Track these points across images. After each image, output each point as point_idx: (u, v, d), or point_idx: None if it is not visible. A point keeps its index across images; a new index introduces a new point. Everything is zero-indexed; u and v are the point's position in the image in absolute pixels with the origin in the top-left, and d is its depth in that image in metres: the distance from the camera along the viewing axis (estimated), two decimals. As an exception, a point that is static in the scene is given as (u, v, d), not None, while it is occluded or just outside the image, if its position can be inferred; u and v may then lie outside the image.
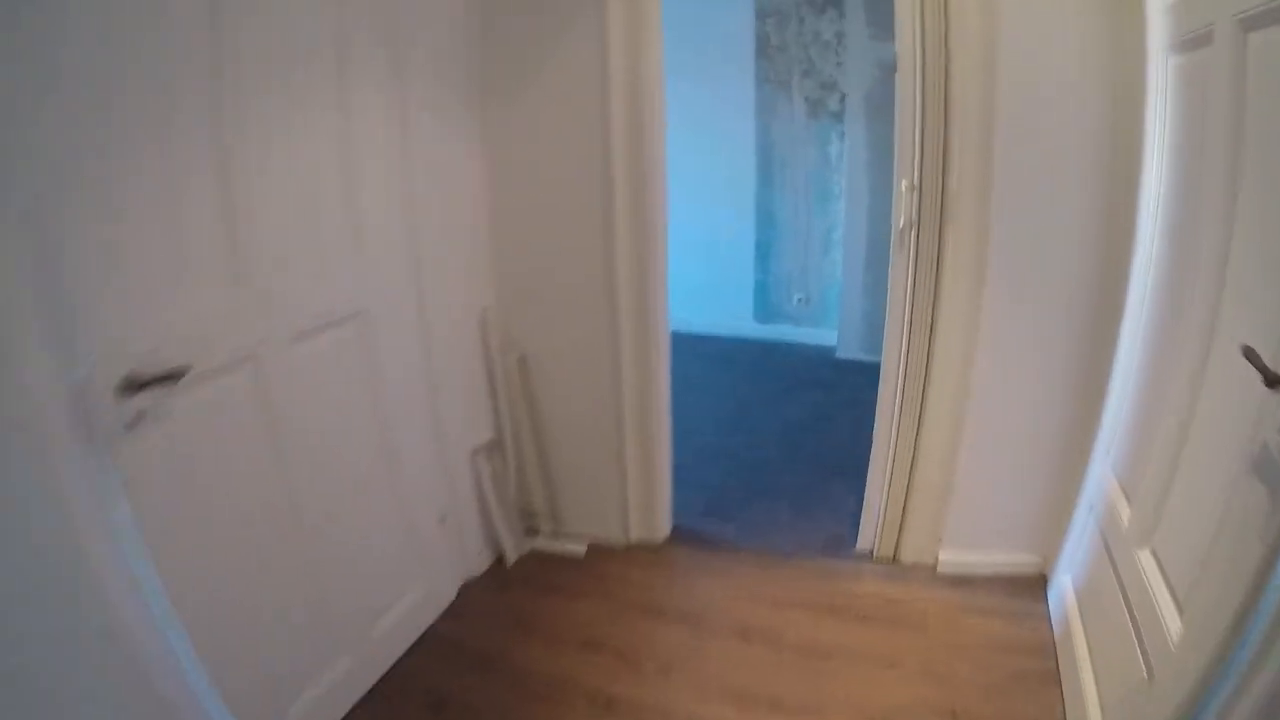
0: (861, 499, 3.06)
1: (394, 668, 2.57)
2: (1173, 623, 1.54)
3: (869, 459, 2.99)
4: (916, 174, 2.48)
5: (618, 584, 3.03)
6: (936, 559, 2.92)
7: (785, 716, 2.30)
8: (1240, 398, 1.36)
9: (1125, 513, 2.01)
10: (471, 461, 3.07)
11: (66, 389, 1.42)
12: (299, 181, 2.08)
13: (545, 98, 2.72)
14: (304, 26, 2.04)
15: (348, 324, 2.33)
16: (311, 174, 2.13)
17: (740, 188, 5.63)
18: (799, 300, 5.70)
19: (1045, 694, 2.29)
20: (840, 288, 5.34)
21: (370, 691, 2.45)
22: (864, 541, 3.08)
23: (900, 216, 2.56)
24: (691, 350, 5.67)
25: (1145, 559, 1.77)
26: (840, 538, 3.20)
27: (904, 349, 2.72)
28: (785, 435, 4.28)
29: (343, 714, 2.35)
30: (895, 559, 2.99)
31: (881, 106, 4.70)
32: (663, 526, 3.29)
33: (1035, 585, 2.81)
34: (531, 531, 3.35)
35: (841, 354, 5.42)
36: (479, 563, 3.17)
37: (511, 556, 3.21)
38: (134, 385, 1.55)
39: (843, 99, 5.11)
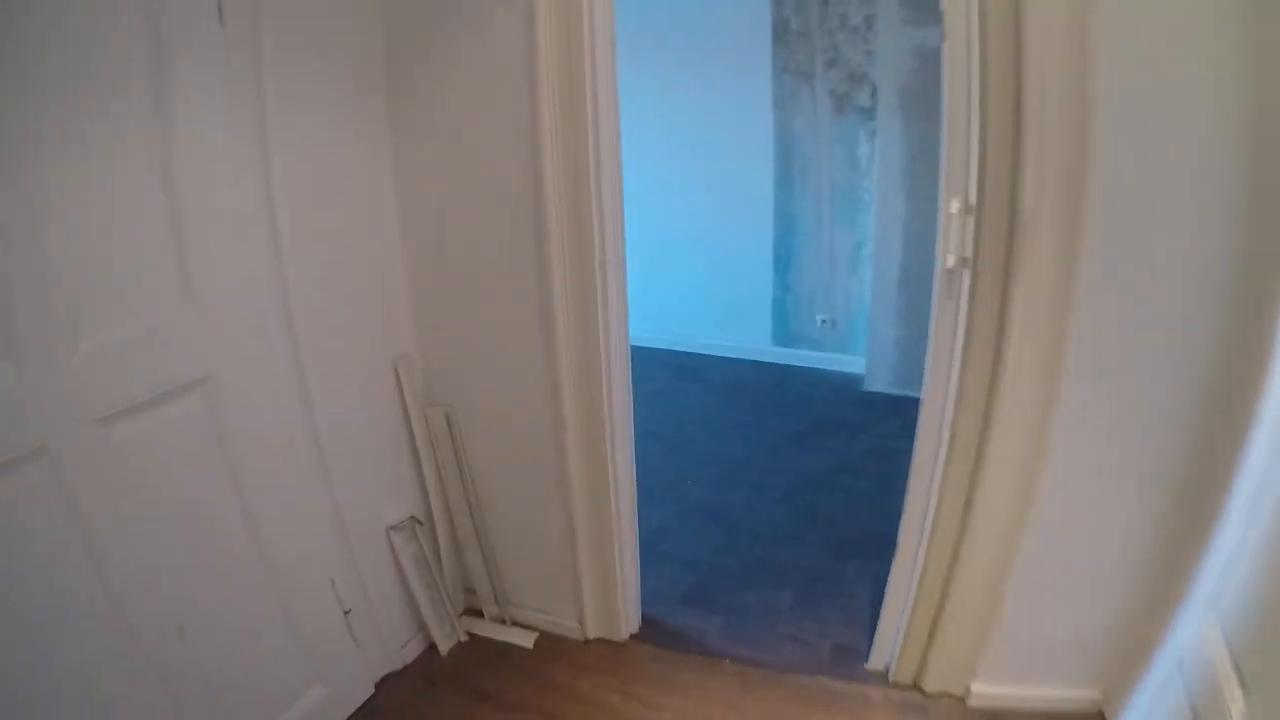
0: (881, 594, 2.45)
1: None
2: None
3: (894, 542, 2.36)
4: (973, 190, 1.83)
5: (561, 698, 2.48)
6: (968, 690, 2.30)
7: None
8: None
9: (1236, 703, 1.40)
10: (388, 540, 2.54)
11: None
12: (98, 216, 1.59)
13: (463, 90, 2.16)
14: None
15: (186, 395, 1.86)
16: (115, 205, 1.62)
17: (756, 192, 5.05)
18: (823, 322, 5.10)
19: None
20: (869, 310, 4.73)
21: None
22: (878, 658, 2.47)
23: (948, 250, 1.91)
24: (697, 375, 5.12)
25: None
26: (850, 650, 2.59)
27: (946, 432, 2.08)
28: (796, 494, 3.68)
29: None
30: (916, 685, 2.38)
31: (920, 101, 4.13)
32: (627, 621, 2.72)
33: (1094, 729, 2.19)
34: (475, 612, 2.84)
35: (870, 386, 4.80)
36: (405, 654, 2.69)
37: (444, 646, 2.72)
38: None
39: (874, 93, 4.49)
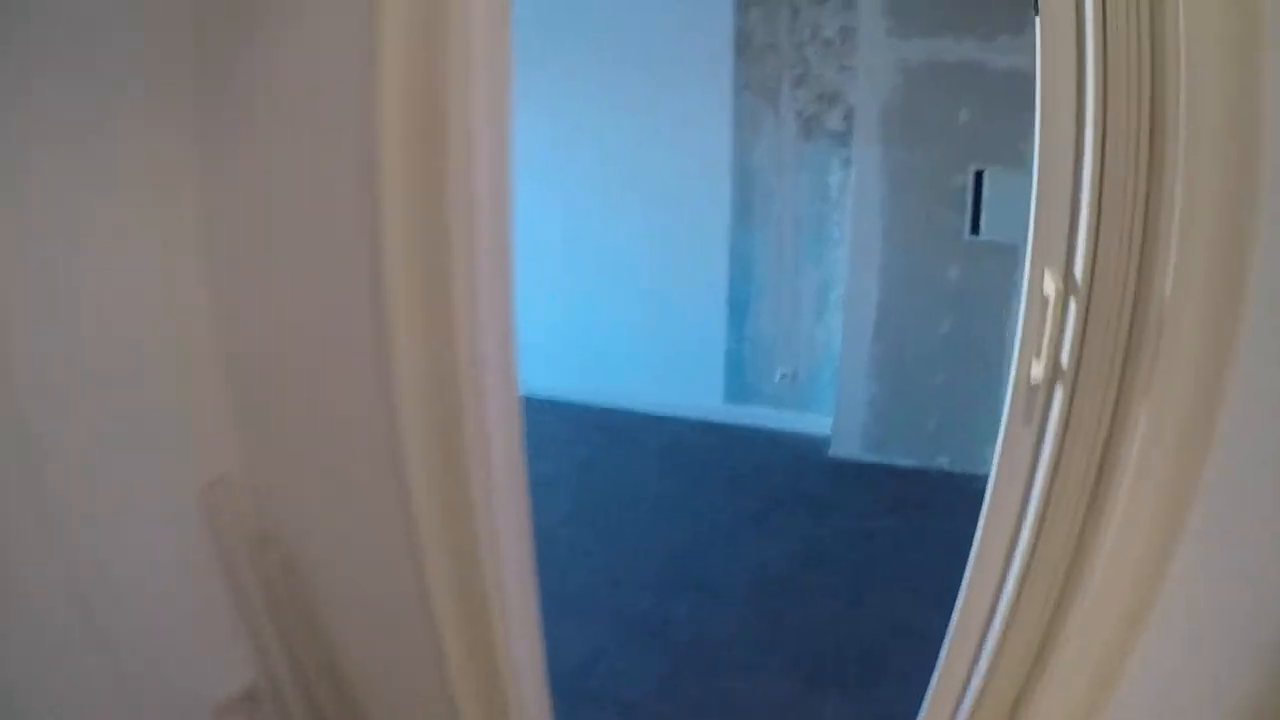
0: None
1: None
2: None
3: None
4: (1082, 263, 1.21)
5: None
6: None
7: None
8: None
9: None
10: None
11: None
12: None
13: (286, 110, 1.44)
14: None
15: None
16: None
17: (708, 225, 4.45)
18: (783, 376, 4.48)
19: None
20: (838, 363, 4.15)
21: None
22: None
23: (1033, 353, 1.30)
24: (635, 438, 4.44)
25: None
26: None
27: (999, 626, 1.42)
28: (756, 597, 3.01)
29: None
30: None
31: (904, 124, 3.61)
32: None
33: None
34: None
35: (837, 451, 4.19)
36: None
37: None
38: None
39: (848, 114, 3.95)
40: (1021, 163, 3.54)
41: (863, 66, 3.71)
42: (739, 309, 4.49)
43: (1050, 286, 1.23)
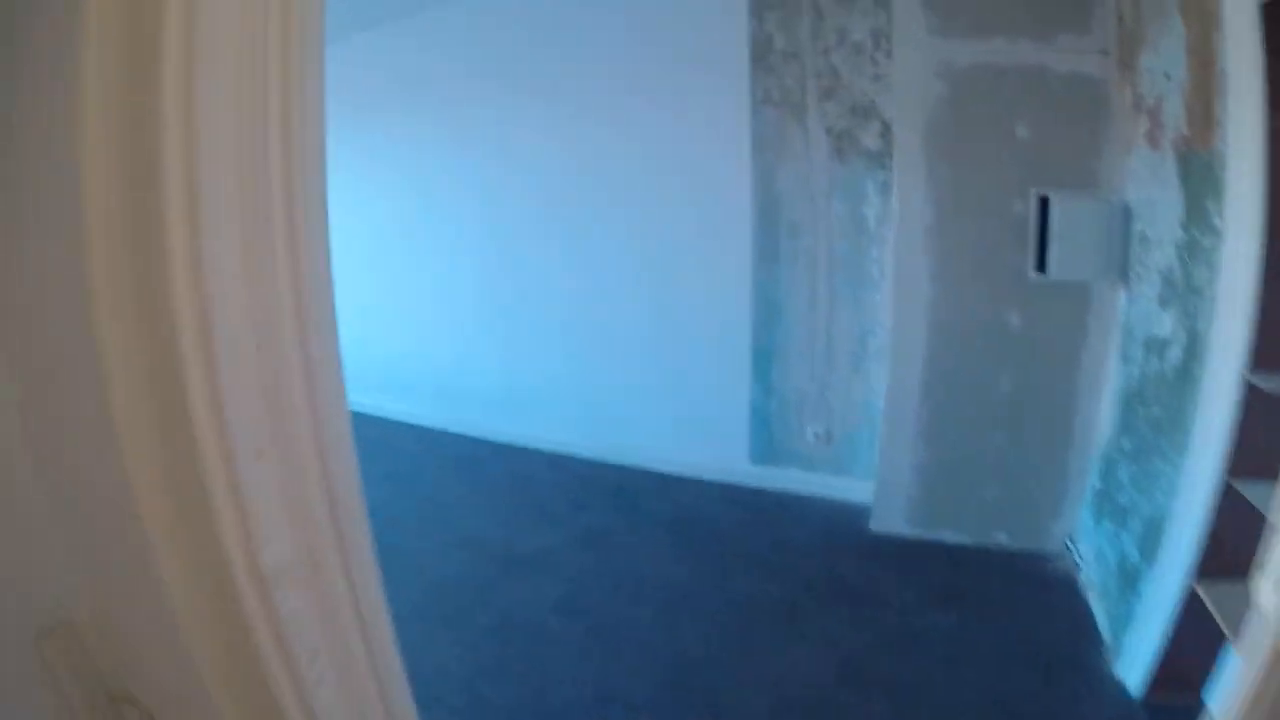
0: None
1: None
2: None
3: None
4: None
5: None
6: None
7: None
8: None
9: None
10: None
11: None
12: None
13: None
14: None
15: None
16: None
17: (728, 263, 3.98)
18: (815, 436, 3.94)
19: None
20: (880, 422, 3.59)
21: None
22: None
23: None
24: (647, 506, 4.00)
25: None
26: None
27: None
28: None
29: None
30: None
31: (952, 140, 3.09)
32: None
33: None
34: None
35: (879, 524, 3.63)
36: None
37: None
38: None
39: (886, 131, 3.43)
40: (1093, 185, 3.02)
41: (899, 73, 3.20)
42: (764, 358, 3.98)
43: None
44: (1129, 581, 2.60)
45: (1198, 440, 2.19)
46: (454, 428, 5.30)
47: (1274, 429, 1.94)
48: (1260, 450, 1.98)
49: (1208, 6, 2.17)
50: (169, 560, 1.11)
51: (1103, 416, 3.11)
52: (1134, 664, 2.46)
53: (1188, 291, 2.33)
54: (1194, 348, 2.27)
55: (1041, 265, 3.06)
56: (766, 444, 4.09)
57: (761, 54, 3.63)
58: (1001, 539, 3.42)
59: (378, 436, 5.30)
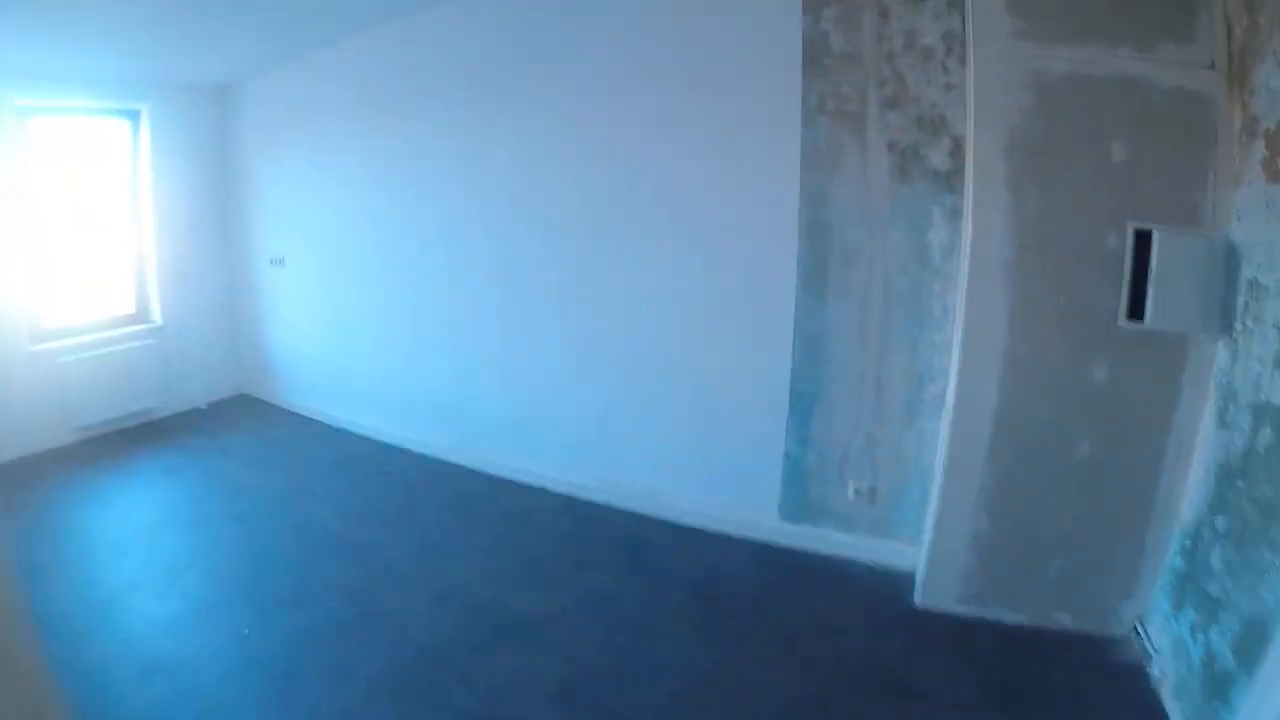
0: None
1: None
2: None
3: None
4: None
5: None
6: None
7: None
8: None
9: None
10: None
11: None
12: None
13: None
14: None
15: None
16: None
17: (769, 293, 3.59)
18: (857, 493, 3.53)
19: None
20: (935, 482, 3.15)
21: None
22: None
23: None
24: (664, 565, 3.70)
25: None
26: None
27: None
28: None
29: None
30: None
31: (1039, 164, 2.76)
32: None
33: None
34: None
35: (926, 599, 3.20)
36: None
37: None
38: None
39: (956, 149, 3.05)
40: (1195, 220, 2.58)
41: (978, 83, 2.79)
42: (804, 402, 3.57)
43: None
44: (1218, 687, 2.23)
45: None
46: (455, 458, 4.98)
47: None
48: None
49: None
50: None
51: (1191, 488, 2.69)
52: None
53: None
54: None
55: (1137, 311, 2.64)
56: (801, 499, 3.66)
57: (815, 56, 3.26)
58: (1063, 620, 2.99)
59: (377, 462, 5.08)
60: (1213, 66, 2.53)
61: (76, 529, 4.22)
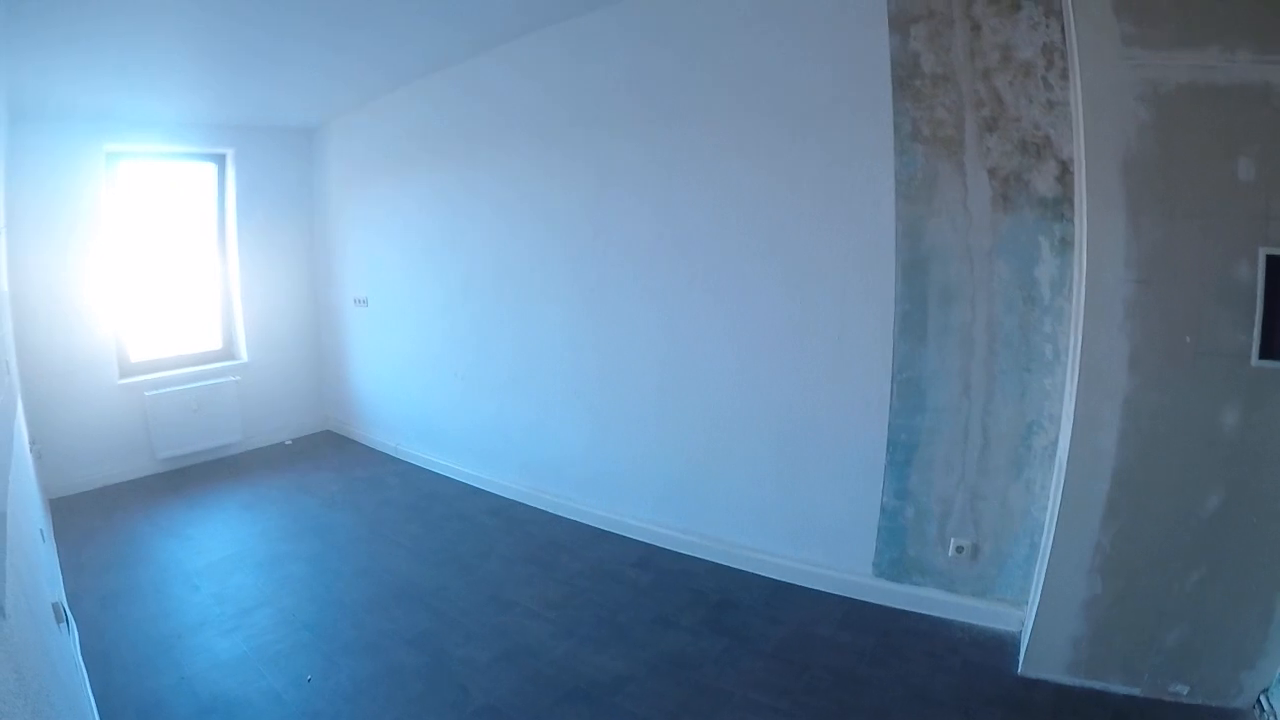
0: None
1: None
2: None
3: None
4: None
5: None
6: None
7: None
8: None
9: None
10: None
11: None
12: None
13: None
14: None
15: None
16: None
17: (861, 336, 3.39)
18: (958, 550, 3.28)
19: None
20: (1046, 541, 2.90)
21: None
22: None
23: None
24: (750, 624, 3.54)
25: None
26: None
27: None
28: None
29: None
30: None
31: (1158, 186, 2.50)
32: None
33: None
34: None
35: (1032, 668, 2.92)
36: None
37: None
38: None
39: (1064, 172, 2.82)
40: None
41: (1086, 98, 2.55)
42: (902, 452, 3.35)
43: None
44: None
45: None
46: (535, 502, 4.94)
47: None
48: None
49: None
50: None
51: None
52: None
53: None
54: None
55: (1269, 349, 2.38)
56: (898, 555, 3.42)
57: (906, 78, 3.07)
58: (1180, 691, 2.70)
59: (455, 505, 5.08)
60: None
61: (152, 560, 4.31)
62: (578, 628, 3.40)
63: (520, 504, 4.99)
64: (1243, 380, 2.44)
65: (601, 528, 4.49)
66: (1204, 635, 2.63)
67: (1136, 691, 2.75)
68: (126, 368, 5.67)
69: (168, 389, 5.76)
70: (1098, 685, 2.80)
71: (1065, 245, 2.84)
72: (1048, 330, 2.95)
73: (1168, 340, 2.51)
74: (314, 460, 6.18)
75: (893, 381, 3.31)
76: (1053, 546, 2.79)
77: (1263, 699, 2.57)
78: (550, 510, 4.80)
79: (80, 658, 3.00)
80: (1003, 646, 3.08)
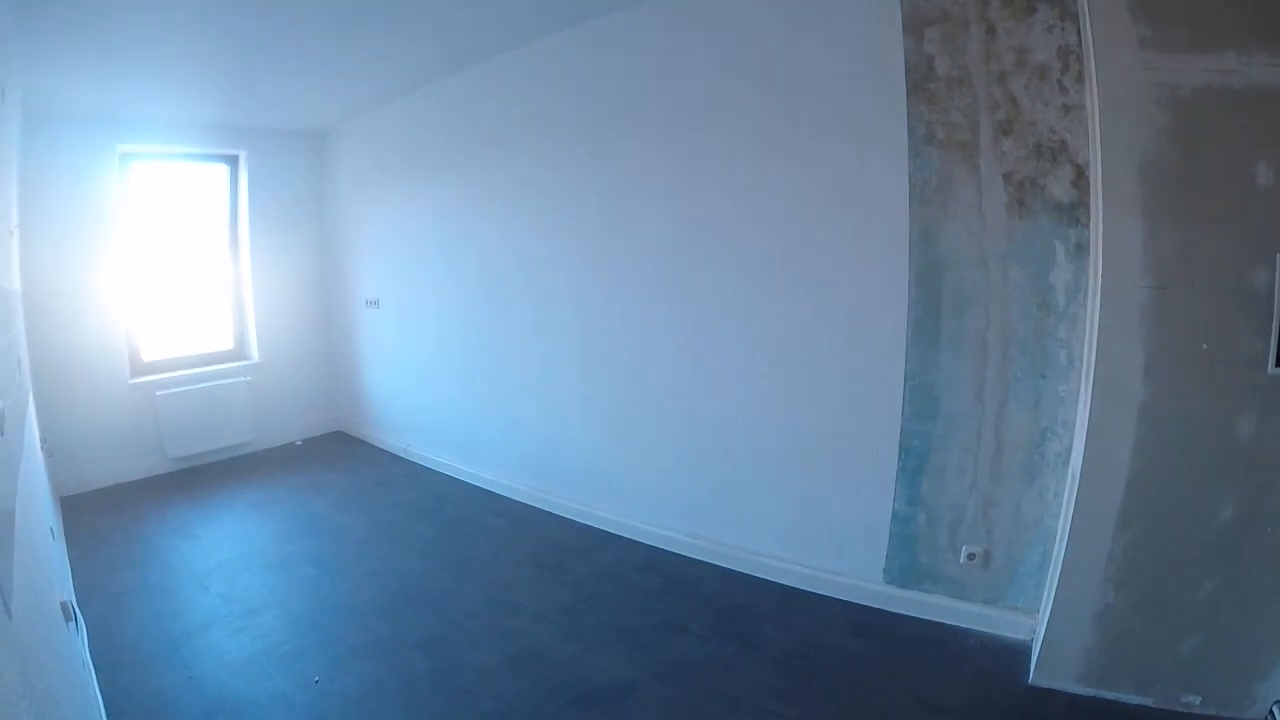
0: None
1: None
2: None
3: None
4: None
5: None
6: None
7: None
8: None
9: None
10: None
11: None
12: None
13: None
14: None
15: None
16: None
17: (875, 341, 3.40)
18: (970, 558, 3.27)
19: None
20: (1055, 545, 2.93)
21: None
22: None
23: None
24: (759, 630, 3.50)
25: None
26: None
27: None
28: None
29: None
30: None
31: (1176, 192, 2.48)
32: None
33: None
34: None
35: (1042, 678, 2.92)
36: None
37: None
38: None
39: (1080, 177, 2.81)
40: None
41: (1102, 102, 2.54)
42: (914, 459, 3.36)
43: None
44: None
45: None
46: (543, 505, 4.96)
47: None
48: None
49: None
50: None
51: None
52: None
53: None
54: None
55: (1287, 357, 2.37)
56: (909, 562, 3.42)
57: (920, 81, 3.07)
58: (1192, 702, 2.68)
59: (464, 507, 5.12)
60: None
61: (161, 559, 4.35)
62: (586, 632, 3.41)
63: (529, 506, 5.02)
64: (1259, 388, 2.43)
65: (611, 531, 4.51)
66: (1217, 645, 2.62)
67: (1149, 702, 2.74)
68: (138, 367, 5.74)
69: (179, 389, 5.82)
70: (1109, 695, 2.79)
71: (1080, 250, 2.84)
72: (1062, 336, 2.94)
73: (1183, 347, 2.50)
74: (324, 461, 6.23)
75: (905, 387, 3.31)
76: (1065, 555, 2.79)
77: (1275, 710, 2.56)
78: (560, 513, 4.83)
79: (88, 656, 3.03)
80: (1014, 655, 3.07)
